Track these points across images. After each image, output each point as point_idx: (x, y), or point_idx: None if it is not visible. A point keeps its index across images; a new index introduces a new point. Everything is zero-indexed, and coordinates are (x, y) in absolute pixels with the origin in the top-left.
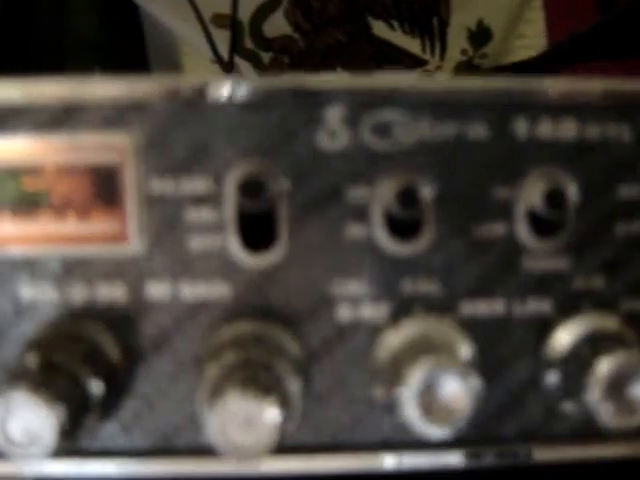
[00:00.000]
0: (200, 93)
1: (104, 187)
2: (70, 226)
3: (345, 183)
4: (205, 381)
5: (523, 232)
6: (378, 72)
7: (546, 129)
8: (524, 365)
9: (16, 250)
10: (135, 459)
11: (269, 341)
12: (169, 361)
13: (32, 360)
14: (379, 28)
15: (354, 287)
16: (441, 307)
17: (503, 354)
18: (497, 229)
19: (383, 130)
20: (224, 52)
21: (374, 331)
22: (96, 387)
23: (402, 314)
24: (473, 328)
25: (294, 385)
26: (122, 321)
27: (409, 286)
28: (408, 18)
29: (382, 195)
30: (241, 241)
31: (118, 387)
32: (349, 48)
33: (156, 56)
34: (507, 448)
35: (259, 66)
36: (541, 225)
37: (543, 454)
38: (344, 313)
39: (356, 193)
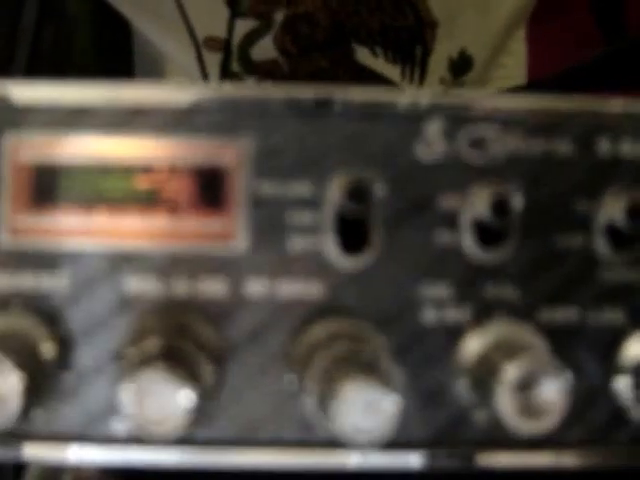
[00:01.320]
0: (314, 104)
1: (213, 188)
2: (177, 223)
3: (439, 192)
4: (314, 372)
5: (601, 244)
6: None
7: (627, 148)
8: (595, 372)
9: (123, 244)
10: (219, 449)
11: (363, 338)
12: (261, 354)
13: (155, 345)
14: (362, 54)
15: (440, 290)
16: (521, 312)
17: (575, 360)
18: (576, 241)
19: (477, 144)
20: (213, 75)
21: (457, 333)
22: (209, 374)
23: (484, 318)
24: (549, 333)
25: (398, 376)
26: (221, 314)
27: (491, 291)
28: (392, 45)
29: (473, 204)
30: (338, 244)
31: (218, 377)
32: (330, 74)
33: (141, 73)
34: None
35: None
36: (619, 238)
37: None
38: (429, 314)
39: (448, 202)
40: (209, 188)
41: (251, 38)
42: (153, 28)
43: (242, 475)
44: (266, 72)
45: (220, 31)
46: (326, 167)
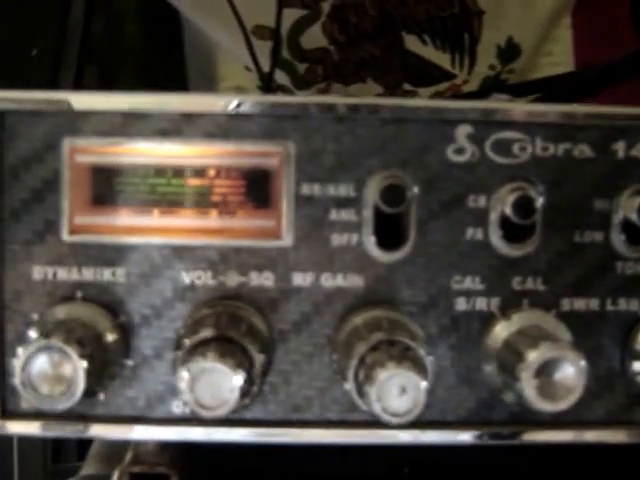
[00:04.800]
0: (352, 109)
1: (260, 188)
2: (227, 221)
3: (468, 192)
4: (353, 358)
5: (618, 240)
6: (407, 85)
7: None
8: (613, 356)
9: (178, 240)
10: (268, 428)
11: (399, 326)
12: (307, 341)
13: (208, 334)
14: (411, 42)
15: (470, 282)
16: (545, 302)
17: (595, 346)
18: (596, 236)
19: (503, 147)
20: (262, 62)
21: (486, 321)
22: (259, 360)
23: (511, 307)
24: (571, 322)
25: (429, 361)
26: (269, 305)
27: (518, 283)
28: (440, 33)
29: (500, 203)
30: (376, 239)
31: (267, 363)
32: (381, 61)
33: (193, 62)
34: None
35: (294, 76)
36: (635, 234)
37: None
38: (460, 305)
39: (477, 201)
40: (256, 189)
41: (300, 27)
42: (202, 18)
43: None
44: (317, 59)
45: (268, 20)
46: (363, 169)
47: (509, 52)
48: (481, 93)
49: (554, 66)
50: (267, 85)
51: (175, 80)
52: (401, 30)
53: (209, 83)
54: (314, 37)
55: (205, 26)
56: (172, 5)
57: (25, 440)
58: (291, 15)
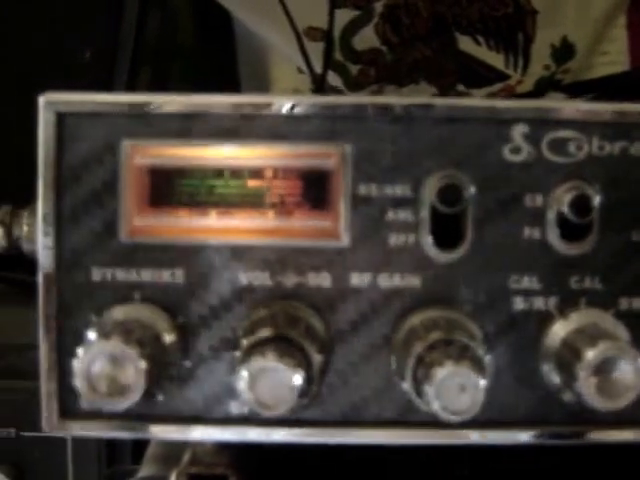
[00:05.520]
0: (408, 109)
1: (318, 189)
2: (285, 222)
3: (525, 191)
4: (411, 357)
5: None
6: (461, 86)
7: None
8: None
9: (236, 240)
10: (326, 428)
11: (457, 325)
12: (364, 341)
13: (267, 334)
14: (465, 43)
15: (528, 282)
16: (603, 301)
17: None
18: None
19: (559, 146)
20: (315, 64)
21: (544, 321)
22: (318, 360)
23: (569, 306)
24: (629, 321)
25: (488, 360)
26: (327, 305)
27: (575, 282)
28: (493, 34)
29: (557, 202)
30: (433, 239)
31: (325, 363)
32: (434, 62)
33: (245, 64)
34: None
35: (347, 78)
36: None
37: None
38: (518, 304)
39: (534, 200)
40: (313, 189)
41: (352, 28)
42: (254, 19)
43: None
44: (369, 61)
45: (320, 21)
46: (421, 169)
47: (564, 52)
48: (536, 94)
49: (609, 66)
50: (320, 87)
51: (227, 81)
52: (454, 31)
53: (261, 84)
54: (367, 38)
55: (257, 28)
56: (224, 6)
57: (79, 443)
58: (343, 16)
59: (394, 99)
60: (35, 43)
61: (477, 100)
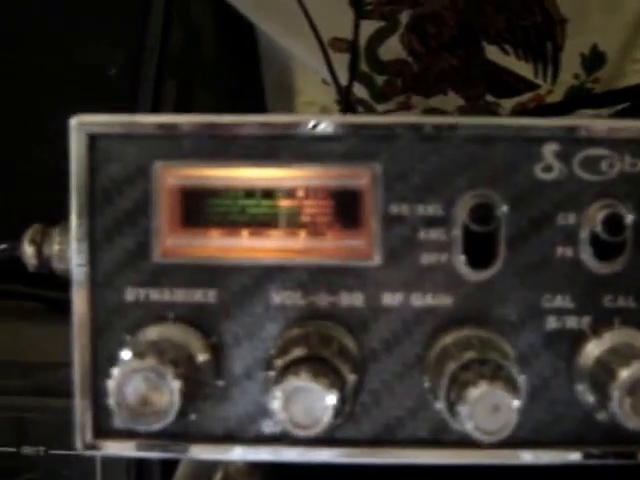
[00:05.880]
0: (438, 128)
1: (349, 209)
2: (317, 242)
3: (557, 209)
4: (444, 377)
5: None
6: (490, 96)
7: None
8: None
9: (269, 260)
10: (360, 448)
11: (490, 345)
12: (397, 360)
13: (300, 354)
14: (492, 53)
15: (561, 300)
16: (637, 320)
17: None
18: None
19: (591, 164)
20: (340, 75)
21: (577, 340)
22: (351, 379)
23: (602, 325)
24: None
25: (521, 380)
26: (360, 325)
27: (608, 301)
28: (522, 43)
29: (589, 220)
30: (466, 258)
31: (359, 383)
32: (462, 72)
33: (269, 75)
34: None
35: (373, 89)
36: None
37: None
38: (551, 323)
39: (567, 218)
40: (345, 209)
41: (378, 38)
42: (278, 31)
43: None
44: (396, 72)
45: (345, 32)
46: (452, 188)
47: (594, 60)
48: (565, 104)
49: None
50: (345, 99)
51: (252, 92)
52: (481, 40)
53: (286, 96)
54: (392, 49)
55: (281, 39)
56: (248, 18)
57: (109, 462)
58: (369, 27)
59: (424, 118)
60: (61, 60)
61: (507, 119)
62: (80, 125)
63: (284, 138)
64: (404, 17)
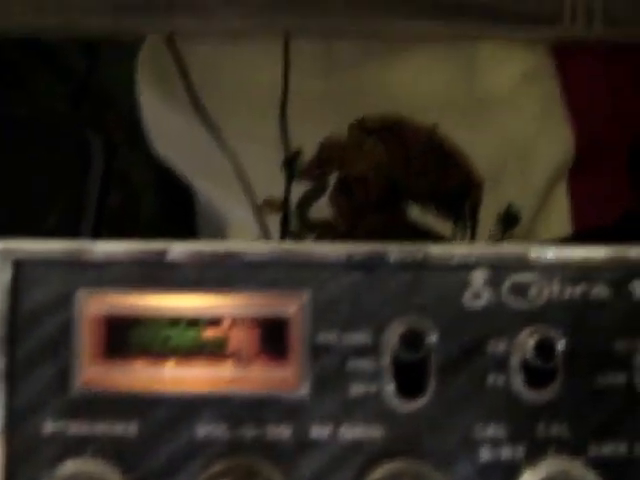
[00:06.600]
0: (366, 257)
1: (276, 338)
2: (243, 372)
3: (487, 337)
4: None
5: None
6: None
7: None
8: None
9: (192, 392)
10: None
11: (424, 477)
12: None
13: None
14: (414, 212)
15: (494, 430)
16: (571, 448)
17: None
18: (618, 378)
19: (520, 290)
20: (273, 234)
21: (512, 470)
22: None
23: (537, 455)
24: (600, 468)
25: None
26: (287, 459)
27: (543, 429)
28: (442, 202)
29: (520, 347)
30: (396, 388)
31: None
32: (387, 232)
33: (206, 234)
34: None
35: None
36: None
37: None
38: (485, 454)
39: (497, 345)
40: (272, 338)
41: (308, 199)
42: (213, 192)
43: None
44: (324, 231)
45: (278, 193)
46: (381, 317)
47: (508, 219)
48: None
49: (552, 233)
50: None
51: None
52: (404, 200)
53: None
54: (322, 209)
55: (214, 200)
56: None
57: None
58: (300, 188)
59: (352, 247)
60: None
61: (436, 247)
62: (5, 251)
63: (209, 265)
64: (332, 178)
